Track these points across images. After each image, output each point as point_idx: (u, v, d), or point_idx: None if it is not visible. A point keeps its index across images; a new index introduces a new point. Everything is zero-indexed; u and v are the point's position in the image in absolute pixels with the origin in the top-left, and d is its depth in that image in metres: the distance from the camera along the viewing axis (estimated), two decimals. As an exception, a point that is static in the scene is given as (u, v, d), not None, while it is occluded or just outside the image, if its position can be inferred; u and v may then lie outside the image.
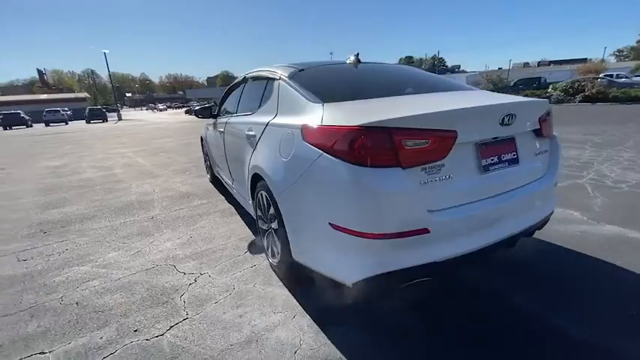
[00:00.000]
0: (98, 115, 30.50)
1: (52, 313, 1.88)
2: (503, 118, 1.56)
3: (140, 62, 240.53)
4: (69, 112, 35.33)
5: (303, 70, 2.16)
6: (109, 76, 38.99)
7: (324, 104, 1.67)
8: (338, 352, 1.51)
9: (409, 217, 1.37)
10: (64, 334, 1.71)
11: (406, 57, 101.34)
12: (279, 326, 1.69)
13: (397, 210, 1.36)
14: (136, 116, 40.45)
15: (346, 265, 1.47)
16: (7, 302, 2.01)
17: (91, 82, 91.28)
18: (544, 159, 1.86)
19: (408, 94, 1.99)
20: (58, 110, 30.91)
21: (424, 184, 1.41)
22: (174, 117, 31.65)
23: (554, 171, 1.87)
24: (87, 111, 31.04)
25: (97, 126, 24.07)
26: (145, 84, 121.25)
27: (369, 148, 1.34)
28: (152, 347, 1.59)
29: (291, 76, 2.05)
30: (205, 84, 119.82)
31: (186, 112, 36.81)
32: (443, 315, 1.71)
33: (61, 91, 68.18)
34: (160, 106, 60.59)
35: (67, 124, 30.19)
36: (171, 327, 1.72)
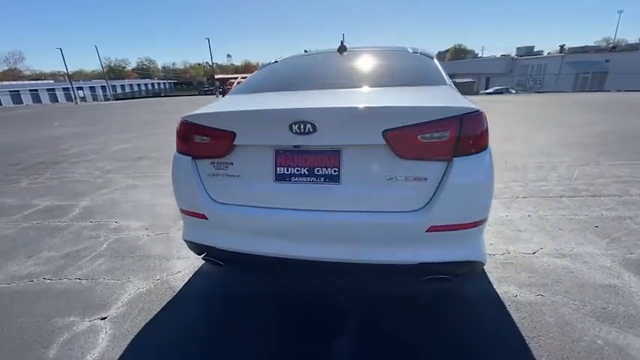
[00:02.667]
0: None
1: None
2: (292, 125, 1.38)
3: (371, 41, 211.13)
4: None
5: (276, 61, 2.61)
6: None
7: (225, 96, 2.14)
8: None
9: (193, 201, 1.66)
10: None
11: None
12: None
13: (185, 192, 1.70)
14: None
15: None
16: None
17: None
18: (416, 188, 1.38)
19: (307, 89, 1.91)
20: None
21: (211, 176, 1.61)
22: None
23: (445, 208, 1.35)
24: None
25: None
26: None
27: (179, 138, 1.68)
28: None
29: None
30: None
31: None
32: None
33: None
34: None
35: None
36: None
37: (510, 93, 27.17)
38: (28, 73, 79.12)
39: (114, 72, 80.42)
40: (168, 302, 2.03)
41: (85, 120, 15.27)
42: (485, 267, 2.17)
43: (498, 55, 47.16)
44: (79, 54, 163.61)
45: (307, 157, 1.47)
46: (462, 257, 1.46)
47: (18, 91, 46.32)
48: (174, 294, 2.10)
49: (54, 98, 49.40)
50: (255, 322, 1.82)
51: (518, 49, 50.52)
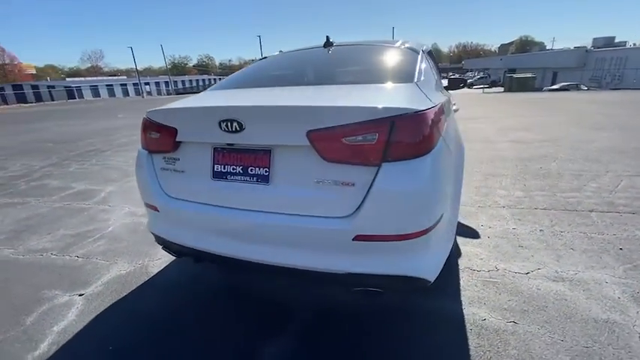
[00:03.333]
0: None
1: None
2: (220, 123, 1.36)
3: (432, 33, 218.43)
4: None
5: (266, 57, 2.63)
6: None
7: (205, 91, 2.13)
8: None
9: (148, 193, 1.72)
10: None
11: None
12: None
13: (142, 184, 1.76)
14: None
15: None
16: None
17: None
18: (343, 193, 1.28)
19: (270, 86, 1.94)
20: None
21: (163, 170, 1.68)
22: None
23: (372, 216, 1.25)
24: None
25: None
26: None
27: (141, 133, 1.76)
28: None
29: None
30: (496, 52, 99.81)
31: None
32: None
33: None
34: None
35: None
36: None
37: (580, 90, 24.05)
38: (106, 69, 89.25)
39: (177, 68, 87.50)
40: (139, 286, 2.16)
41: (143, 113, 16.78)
42: (462, 283, 1.97)
43: (572, 47, 41.98)
44: (149, 52, 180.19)
45: (241, 156, 1.46)
46: (396, 271, 1.33)
47: (97, 86, 52.60)
48: (147, 278, 2.24)
49: (125, 92, 55.43)
50: (206, 313, 1.87)
51: (594, 39, 44.45)
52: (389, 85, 1.68)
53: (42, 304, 2.02)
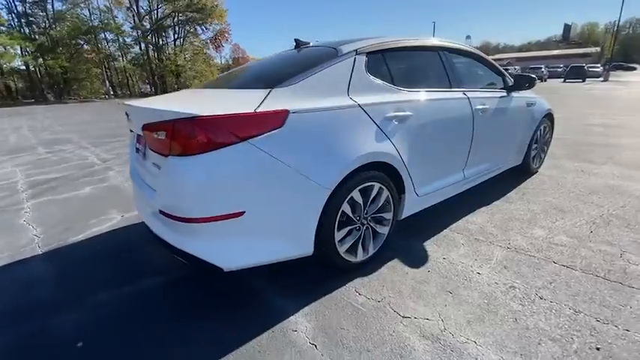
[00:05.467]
0: (576, 74, 26.87)
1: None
2: (127, 114, 1.91)
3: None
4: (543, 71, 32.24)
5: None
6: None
7: None
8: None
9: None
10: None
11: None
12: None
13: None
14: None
15: None
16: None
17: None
18: (156, 176, 1.58)
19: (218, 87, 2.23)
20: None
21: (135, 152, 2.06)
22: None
23: (161, 197, 1.54)
24: (568, 68, 28.48)
25: (570, 85, 22.13)
26: None
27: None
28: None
29: None
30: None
31: None
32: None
33: (580, 45, 62.98)
34: None
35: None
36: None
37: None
38: None
39: None
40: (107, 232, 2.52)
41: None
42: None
43: None
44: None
45: (140, 139, 1.92)
46: (192, 250, 1.46)
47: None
48: (113, 228, 2.58)
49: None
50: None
51: None
52: (251, 90, 1.71)
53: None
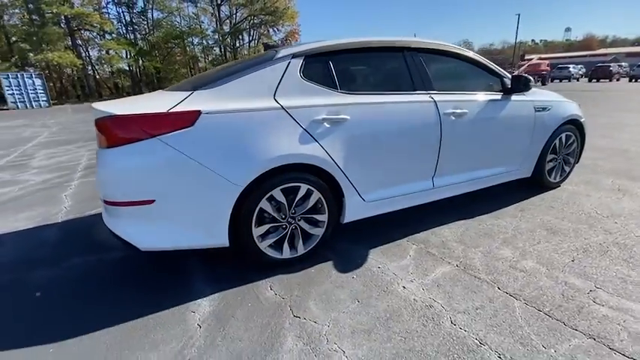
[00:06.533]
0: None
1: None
2: None
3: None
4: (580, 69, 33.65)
5: None
6: None
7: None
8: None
9: None
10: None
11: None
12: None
13: None
14: None
15: None
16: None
17: None
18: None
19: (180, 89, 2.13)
20: (567, 67, 30.83)
21: None
22: None
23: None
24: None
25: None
26: None
27: None
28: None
29: None
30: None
31: None
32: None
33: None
34: None
35: (569, 81, 29.51)
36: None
37: None
38: None
39: None
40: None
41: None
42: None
43: None
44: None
45: None
46: (117, 231, 1.72)
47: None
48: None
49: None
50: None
51: None
52: (180, 92, 1.80)
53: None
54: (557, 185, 3.13)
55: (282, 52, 1.92)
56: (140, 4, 34.33)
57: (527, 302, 1.63)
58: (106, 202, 1.70)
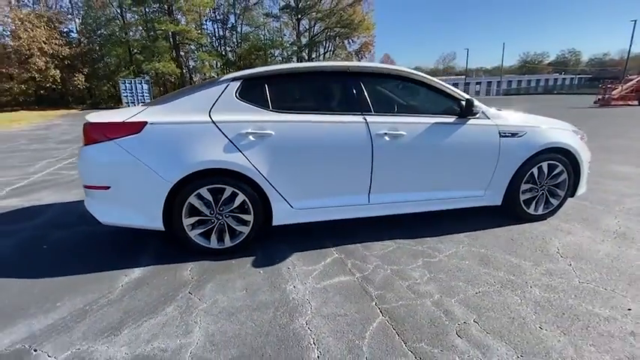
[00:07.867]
0: None
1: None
2: None
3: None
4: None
5: None
6: None
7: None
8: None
9: None
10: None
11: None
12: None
13: None
14: None
15: None
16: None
17: None
18: None
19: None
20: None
21: None
22: None
23: None
24: None
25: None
26: None
27: None
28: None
29: None
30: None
31: None
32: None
33: None
34: None
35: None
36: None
37: None
38: (457, 69, 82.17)
39: (527, 66, 77.23)
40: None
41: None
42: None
43: None
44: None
45: None
46: (88, 208, 2.29)
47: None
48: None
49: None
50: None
51: None
52: (141, 107, 2.30)
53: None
54: (541, 218, 2.86)
55: (225, 77, 2.33)
56: (232, 20, 38.98)
57: (390, 319, 1.69)
58: (84, 185, 2.30)
